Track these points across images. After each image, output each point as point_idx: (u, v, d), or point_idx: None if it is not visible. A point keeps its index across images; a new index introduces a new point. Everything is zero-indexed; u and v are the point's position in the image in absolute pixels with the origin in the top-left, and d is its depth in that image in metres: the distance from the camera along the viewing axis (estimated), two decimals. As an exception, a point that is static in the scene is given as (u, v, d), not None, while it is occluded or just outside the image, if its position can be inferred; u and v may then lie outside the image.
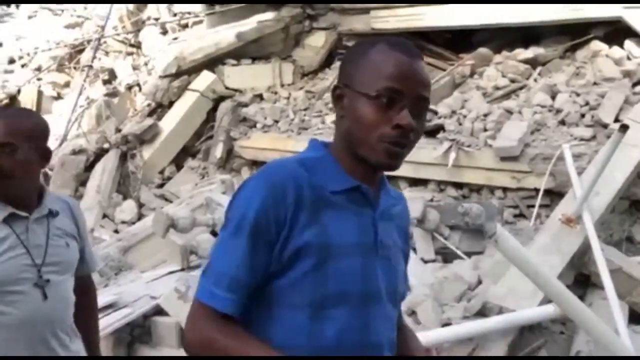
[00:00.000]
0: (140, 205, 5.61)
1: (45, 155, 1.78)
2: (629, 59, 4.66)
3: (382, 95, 1.14)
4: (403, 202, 1.33)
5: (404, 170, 4.43)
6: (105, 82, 7.15)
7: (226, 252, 1.15)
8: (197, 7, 6.88)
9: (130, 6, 7.46)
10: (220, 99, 5.98)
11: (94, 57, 7.14)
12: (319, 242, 1.13)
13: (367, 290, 1.18)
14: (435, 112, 4.63)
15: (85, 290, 1.91)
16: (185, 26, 7.02)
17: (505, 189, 4.09)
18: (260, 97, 5.96)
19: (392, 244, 1.25)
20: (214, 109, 6.00)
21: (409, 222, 1.37)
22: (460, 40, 5.73)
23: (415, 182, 4.47)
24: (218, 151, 5.69)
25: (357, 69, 1.18)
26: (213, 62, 6.16)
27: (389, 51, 1.17)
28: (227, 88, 6.03)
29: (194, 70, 6.16)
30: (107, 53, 7.47)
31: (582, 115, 4.17)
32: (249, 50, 6.18)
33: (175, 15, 7.12)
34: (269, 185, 1.13)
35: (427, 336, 2.71)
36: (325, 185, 1.17)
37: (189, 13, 6.96)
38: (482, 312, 2.97)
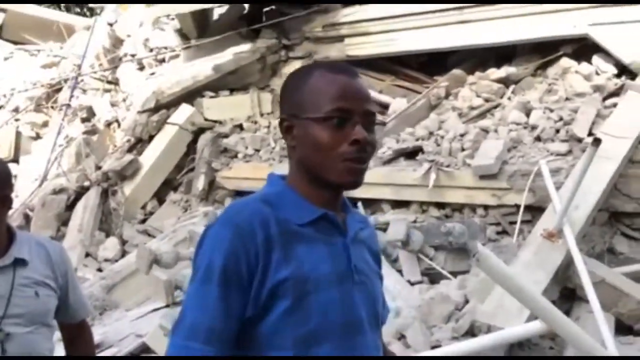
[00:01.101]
0: (123, 242, 5.55)
1: (5, 202, 1.71)
2: (597, 74, 4.78)
3: (333, 117, 1.17)
4: (370, 225, 1.35)
5: (385, 193, 4.47)
6: (83, 120, 7.12)
7: (197, 303, 1.10)
8: (173, 42, 6.93)
9: (107, 43, 7.48)
10: (200, 131, 5.99)
11: (71, 96, 7.11)
12: (295, 279, 1.12)
13: (348, 321, 1.18)
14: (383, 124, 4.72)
15: (74, 336, 1.85)
16: (162, 61, 7.05)
17: (486, 207, 4.13)
18: (240, 127, 5.98)
19: (367, 268, 1.25)
20: (194, 141, 6.00)
21: (378, 245, 1.38)
22: (434, 63, 5.83)
23: (397, 204, 4.50)
24: (200, 183, 5.68)
25: (303, 96, 1.20)
26: (191, 95, 6.18)
27: (329, 74, 1.20)
28: (206, 120, 6.04)
29: (173, 104, 6.17)
30: (84, 91, 7.45)
31: (557, 131, 4.25)
32: (226, 82, 6.22)
33: (151, 50, 7.15)
34: (234, 228, 1.11)
35: None
36: (291, 219, 1.16)
37: (165, 48, 7.00)
38: (471, 332, 2.97)
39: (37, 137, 7.45)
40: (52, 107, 7.43)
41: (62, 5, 12.18)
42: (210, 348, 1.07)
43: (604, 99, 4.42)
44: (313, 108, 1.18)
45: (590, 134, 4.04)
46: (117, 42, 7.52)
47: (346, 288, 1.18)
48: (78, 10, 12.80)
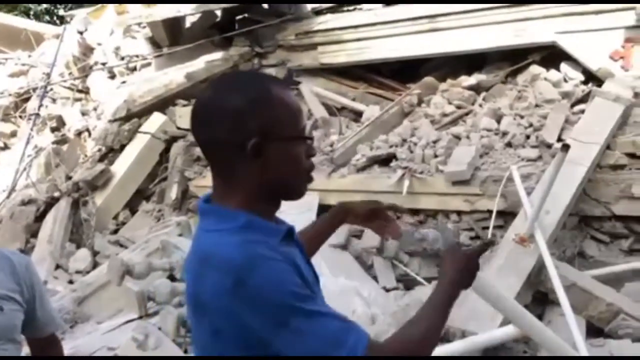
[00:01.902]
0: (95, 254, 5.45)
1: None
2: (565, 80, 4.87)
3: (309, 136, 1.22)
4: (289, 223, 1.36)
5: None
6: (53, 130, 7.00)
7: (317, 319, 1.08)
8: (145, 50, 6.87)
9: (77, 52, 7.37)
10: (172, 140, 5.92)
11: (40, 105, 6.99)
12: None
13: None
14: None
15: (43, 351, 1.80)
16: (134, 69, 6.98)
17: (459, 213, 4.17)
18: (213, 135, 5.94)
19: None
20: (167, 150, 5.94)
21: None
22: (406, 71, 5.89)
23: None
24: (173, 192, 5.62)
25: (277, 115, 1.16)
26: (163, 104, 6.13)
27: (287, 91, 1.21)
28: (179, 128, 5.98)
29: (144, 112, 6.10)
30: (54, 100, 7.32)
31: (527, 137, 4.31)
32: (199, 90, 6.16)
33: (122, 58, 7.08)
34: (268, 261, 1.09)
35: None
36: (273, 243, 1.15)
37: (137, 56, 6.93)
38: (446, 337, 2.98)
39: (5, 147, 7.30)
40: (20, 117, 7.28)
41: (32, 12, 12.01)
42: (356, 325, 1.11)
43: (572, 105, 4.51)
44: (290, 127, 1.18)
45: (559, 139, 4.11)
46: (88, 51, 7.42)
47: (320, 292, 1.23)
48: (48, 18, 12.63)
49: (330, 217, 1.60)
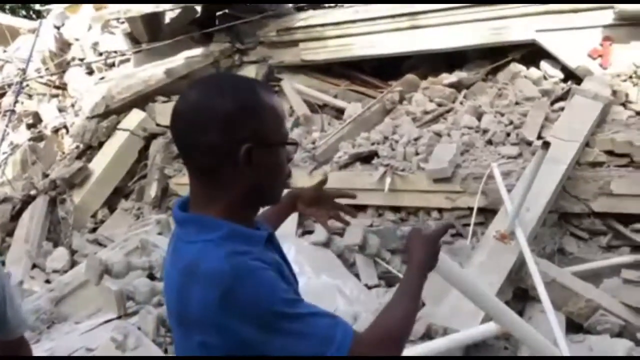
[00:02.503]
0: (73, 252, 5.37)
1: None
2: (545, 78, 4.92)
3: (294, 142, 1.23)
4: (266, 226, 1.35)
5: (342, 198, 4.45)
6: (29, 126, 6.87)
7: (306, 321, 1.10)
8: (123, 46, 6.77)
9: (54, 47, 7.24)
10: (151, 137, 5.85)
11: (16, 101, 6.86)
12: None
13: None
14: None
15: (13, 354, 1.76)
16: (112, 65, 6.88)
17: (440, 210, 4.18)
18: (193, 133, 5.88)
19: None
20: (146, 147, 5.86)
21: None
22: (388, 68, 5.89)
23: (353, 209, 4.49)
24: (152, 190, 5.55)
25: (259, 123, 1.14)
26: (142, 100, 6.05)
27: (274, 95, 1.19)
28: (158, 125, 5.91)
29: (123, 109, 6.02)
30: (30, 96, 7.19)
31: (508, 134, 4.34)
32: (179, 87, 6.09)
33: (101, 54, 6.97)
34: (256, 271, 1.09)
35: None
36: (258, 252, 1.14)
37: (115, 52, 6.83)
38: (428, 335, 2.99)
39: (-20, 144, 7.14)
40: (-5, 113, 7.14)
41: (7, 7, 11.77)
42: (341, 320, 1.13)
43: (552, 103, 4.55)
44: (277, 133, 1.17)
45: (539, 137, 4.14)
46: (65, 46, 7.29)
47: (297, 291, 1.22)
48: (24, 13, 12.40)
49: (281, 205, 1.57)
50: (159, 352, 3.15)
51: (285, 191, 1.38)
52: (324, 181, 1.65)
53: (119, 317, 3.60)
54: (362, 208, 4.46)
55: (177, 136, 1.17)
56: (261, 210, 1.30)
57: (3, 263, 5.31)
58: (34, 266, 5.30)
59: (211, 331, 1.07)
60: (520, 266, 3.31)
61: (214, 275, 1.06)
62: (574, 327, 3.20)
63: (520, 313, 3.14)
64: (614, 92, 4.35)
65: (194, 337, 1.10)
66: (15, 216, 5.77)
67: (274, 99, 1.18)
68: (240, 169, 1.13)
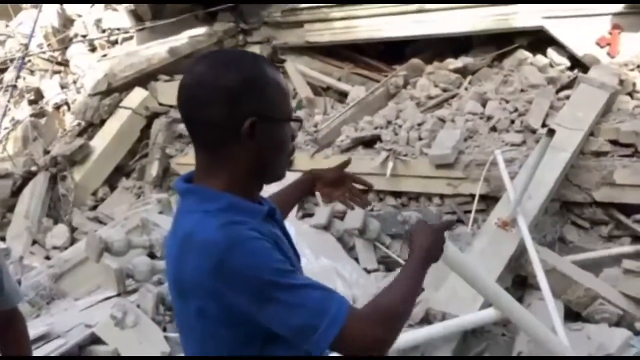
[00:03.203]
0: (73, 230, 5.37)
1: None
2: (551, 66, 4.87)
3: (299, 119, 1.25)
4: (271, 202, 1.34)
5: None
6: (31, 102, 6.83)
7: (299, 291, 1.09)
8: (127, 23, 6.70)
9: (56, 23, 7.18)
10: (153, 116, 5.82)
11: (17, 77, 6.81)
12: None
13: None
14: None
15: (7, 324, 1.77)
16: (115, 43, 6.82)
17: (442, 196, 4.17)
18: (195, 112, 5.85)
19: None
20: (148, 126, 5.84)
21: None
22: (393, 52, 5.84)
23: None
24: (153, 169, 5.54)
25: (272, 96, 1.16)
26: (145, 79, 6.01)
27: (278, 72, 1.21)
28: (160, 104, 5.88)
29: (125, 87, 5.98)
30: (32, 72, 7.14)
31: (512, 122, 4.31)
32: (182, 66, 6.05)
33: (104, 31, 6.90)
34: (251, 240, 1.09)
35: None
36: (255, 224, 1.15)
37: (118, 29, 6.76)
38: (426, 319, 2.99)
39: (-19, 119, 7.11)
40: (-4, 88, 7.10)
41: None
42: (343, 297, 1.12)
43: (558, 91, 4.51)
44: (281, 109, 1.18)
45: (544, 125, 4.11)
46: (67, 22, 7.23)
47: (300, 271, 1.23)
48: (26, -13, 12.27)
49: (299, 183, 1.63)
50: (157, 330, 3.16)
51: (288, 173, 1.38)
52: (347, 162, 1.69)
53: (119, 295, 3.61)
54: (363, 192, 4.44)
55: (183, 109, 1.18)
56: (271, 191, 1.32)
57: (3, 239, 5.32)
58: (34, 242, 5.31)
59: (206, 298, 1.09)
60: (520, 254, 3.31)
61: (207, 244, 1.08)
62: (572, 315, 3.20)
63: (520, 300, 3.14)
64: (621, 82, 4.31)
65: (191, 304, 1.12)
66: (16, 192, 5.76)
67: (278, 75, 1.20)
68: (243, 143, 1.15)
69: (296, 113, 5.15)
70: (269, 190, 1.38)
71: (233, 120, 1.13)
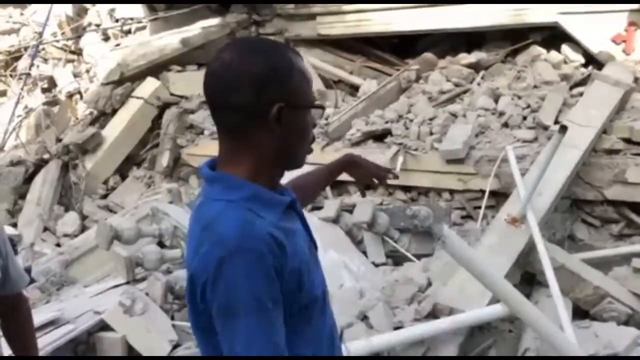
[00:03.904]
0: (84, 217, 5.42)
1: None
2: (565, 62, 4.83)
3: (322, 106, 1.24)
4: (292, 192, 1.32)
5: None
6: (44, 91, 6.88)
7: (261, 335, 1.08)
8: (140, 13, 6.72)
9: (70, 12, 7.21)
10: (165, 106, 5.84)
11: (31, 65, 6.86)
12: (304, 276, 1.17)
13: (324, 289, 1.27)
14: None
15: (12, 309, 1.79)
16: (128, 32, 6.84)
17: (452, 191, 4.16)
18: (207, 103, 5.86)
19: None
20: (159, 116, 5.86)
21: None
22: (405, 46, 5.81)
23: (364, 187, 4.48)
24: (164, 159, 5.56)
25: (296, 83, 1.17)
26: (157, 69, 6.03)
27: (301, 60, 1.21)
28: (172, 94, 5.89)
29: (138, 77, 6.00)
30: (45, 60, 7.18)
31: (524, 118, 4.28)
32: (194, 57, 6.07)
33: (117, 21, 6.92)
34: (257, 254, 1.08)
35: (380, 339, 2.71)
36: (273, 217, 1.15)
37: (132, 19, 6.78)
38: (433, 314, 2.99)
39: (-5, 106, 7.18)
40: (10, 76, 7.15)
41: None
42: None
43: (571, 87, 4.48)
44: (306, 96, 1.20)
45: (556, 122, 4.08)
46: (81, 11, 7.26)
47: (316, 260, 1.26)
48: (41, -24, 12.33)
49: (337, 164, 1.69)
50: (165, 318, 3.18)
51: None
52: (394, 176, 1.78)
53: (128, 283, 3.64)
54: (376, 186, 4.45)
55: (210, 95, 1.18)
56: (295, 177, 1.32)
57: (15, 225, 5.38)
58: (45, 229, 5.35)
59: (198, 287, 1.11)
60: (529, 250, 3.29)
61: (222, 238, 1.09)
62: (580, 313, 3.19)
63: (528, 297, 3.13)
64: (636, 79, 4.27)
65: (197, 288, 1.13)
66: (28, 179, 5.81)
67: (303, 63, 1.21)
68: (269, 129, 1.15)
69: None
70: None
71: (260, 106, 1.14)
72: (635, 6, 4.54)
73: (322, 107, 1.28)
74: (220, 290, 1.08)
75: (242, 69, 1.14)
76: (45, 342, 2.99)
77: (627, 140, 3.86)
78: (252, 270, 1.07)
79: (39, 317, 3.03)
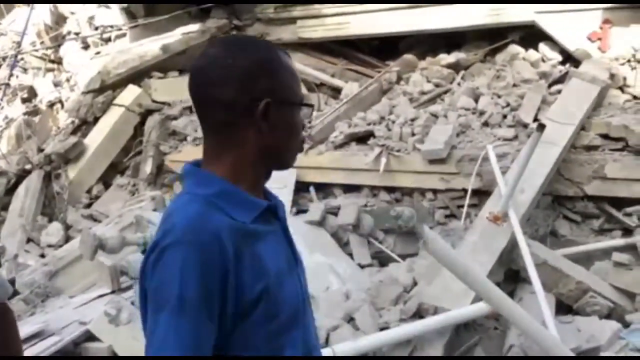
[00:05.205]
0: (67, 227, 5.38)
1: None
2: (543, 61, 4.89)
3: (310, 104, 1.21)
4: (277, 196, 1.28)
5: (337, 177, 4.47)
6: (24, 100, 6.82)
7: (171, 337, 1.01)
8: (119, 20, 6.69)
9: (49, 20, 7.16)
10: (147, 113, 5.82)
11: (10, 75, 6.80)
12: (265, 283, 1.08)
13: (302, 300, 1.20)
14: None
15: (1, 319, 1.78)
16: (108, 40, 6.80)
17: (435, 191, 4.19)
18: (189, 109, 5.83)
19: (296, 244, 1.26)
20: (142, 123, 5.84)
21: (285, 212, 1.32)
22: (386, 48, 5.85)
23: (348, 189, 4.51)
24: (148, 167, 5.54)
25: (278, 80, 1.14)
26: (138, 76, 6.01)
27: (287, 57, 1.19)
28: (154, 101, 5.88)
29: (119, 84, 5.98)
30: (25, 70, 7.13)
31: (504, 116, 4.33)
32: (175, 63, 6.06)
33: (96, 29, 6.88)
34: (200, 248, 1.03)
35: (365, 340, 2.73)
36: (242, 219, 1.10)
37: (111, 26, 6.75)
38: (419, 314, 3.01)
39: (-26, 117, 7.10)
40: (-11, 87, 7.08)
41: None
42: None
43: (550, 85, 4.54)
44: (294, 93, 1.17)
45: (535, 119, 4.13)
46: (60, 19, 7.21)
47: (293, 270, 1.20)
48: (18, -15, 12.21)
49: None
50: (152, 327, 3.17)
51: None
52: None
53: (113, 292, 3.62)
54: (357, 188, 4.47)
55: (196, 92, 1.15)
56: (282, 200, 1.25)
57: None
58: (29, 240, 5.31)
59: (144, 271, 1.08)
60: (512, 248, 3.33)
61: (173, 228, 1.05)
62: (563, 308, 3.23)
63: (511, 294, 3.17)
64: (612, 76, 4.34)
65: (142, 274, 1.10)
66: (10, 190, 5.76)
67: (289, 60, 1.19)
68: (256, 126, 1.12)
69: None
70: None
71: (247, 101, 1.11)
72: (609, 4, 4.61)
73: (311, 105, 1.24)
74: (155, 277, 1.04)
75: (228, 63, 1.11)
76: (31, 355, 2.97)
77: (605, 136, 3.92)
78: (190, 263, 1.01)
79: (24, 329, 3.01)
